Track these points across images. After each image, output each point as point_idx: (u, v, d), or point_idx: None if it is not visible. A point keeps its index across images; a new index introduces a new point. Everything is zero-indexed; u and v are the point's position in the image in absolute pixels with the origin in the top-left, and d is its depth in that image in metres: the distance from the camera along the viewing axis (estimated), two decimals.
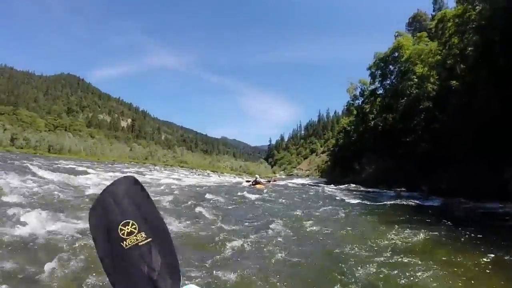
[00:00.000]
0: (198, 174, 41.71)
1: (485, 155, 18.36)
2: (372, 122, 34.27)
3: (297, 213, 9.73)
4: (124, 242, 0.88)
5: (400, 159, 27.45)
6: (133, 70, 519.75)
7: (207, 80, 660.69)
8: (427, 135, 26.05)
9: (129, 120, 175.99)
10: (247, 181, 25.90)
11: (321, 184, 39.44)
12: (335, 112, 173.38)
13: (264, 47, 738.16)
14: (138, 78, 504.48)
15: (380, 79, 33.83)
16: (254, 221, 8.15)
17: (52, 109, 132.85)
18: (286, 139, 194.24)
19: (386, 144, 30.90)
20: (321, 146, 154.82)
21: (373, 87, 35.66)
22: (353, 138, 45.39)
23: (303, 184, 35.98)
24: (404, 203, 14.71)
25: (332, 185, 34.85)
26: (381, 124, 32.41)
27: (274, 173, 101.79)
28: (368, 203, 14.50)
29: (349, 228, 7.56)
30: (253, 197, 13.90)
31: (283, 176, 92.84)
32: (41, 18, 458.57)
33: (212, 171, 62.27)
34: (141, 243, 0.89)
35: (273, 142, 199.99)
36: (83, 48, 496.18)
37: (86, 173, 19.93)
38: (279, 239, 6.29)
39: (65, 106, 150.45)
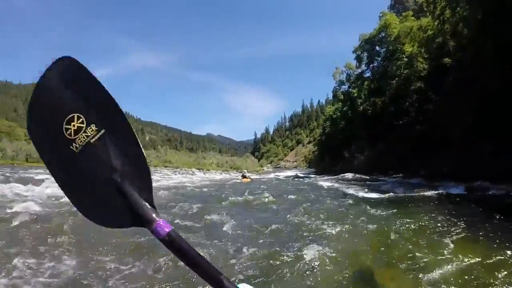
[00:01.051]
0: (182, 173, 39.45)
1: (489, 135, 17.01)
2: (361, 107, 32.76)
3: (302, 216, 7.89)
4: (74, 144, 0.67)
5: (393, 144, 25.99)
6: (114, 71, 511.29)
7: (189, 77, 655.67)
8: (421, 116, 24.64)
9: None
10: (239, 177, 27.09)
11: (312, 175, 37.96)
12: (318, 102, 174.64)
13: (244, 42, 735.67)
14: (119, 80, 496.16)
15: (367, 61, 32.20)
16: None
17: None
18: (271, 131, 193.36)
19: (377, 129, 29.46)
20: (307, 137, 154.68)
21: (359, 70, 34.11)
22: (340, 126, 43.96)
23: (293, 177, 34.22)
24: (427, 193, 11.72)
25: (324, 175, 33.40)
26: (370, 109, 30.91)
27: (261, 166, 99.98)
28: (378, 195, 12.14)
29: (380, 239, 5.65)
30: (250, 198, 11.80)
31: (271, 169, 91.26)
32: (17, 26, 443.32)
33: (197, 169, 60.12)
34: (94, 139, 0.67)
35: (259, 135, 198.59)
36: (61, 53, 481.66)
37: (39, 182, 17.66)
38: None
39: None
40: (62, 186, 0.69)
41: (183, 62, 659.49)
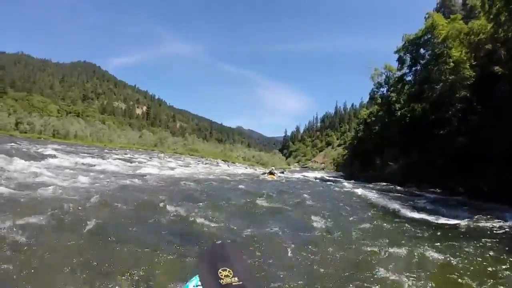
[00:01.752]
0: (206, 163, 39.18)
1: None
2: (398, 113, 30.90)
3: (328, 230, 7.08)
4: (221, 280, 1.05)
5: (430, 155, 24.21)
6: (149, 58, 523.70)
7: (223, 69, 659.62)
8: (463, 127, 22.76)
9: (144, 108, 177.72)
10: (263, 173, 27.38)
11: (340, 179, 36.57)
12: (352, 105, 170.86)
13: (281, 38, 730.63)
14: (154, 66, 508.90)
15: (409, 64, 30.16)
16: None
17: (67, 95, 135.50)
18: (301, 130, 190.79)
19: (414, 137, 27.67)
20: (337, 139, 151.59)
21: (400, 73, 32.05)
22: (374, 131, 42.10)
23: (320, 179, 33.01)
24: (479, 220, 9.49)
25: (352, 180, 31.99)
26: (409, 115, 29.06)
27: (289, 164, 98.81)
28: (425, 216, 10.17)
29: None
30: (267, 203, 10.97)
31: (297, 168, 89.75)
32: (58, 7, 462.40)
33: (223, 161, 59.92)
34: (234, 284, 1.05)
35: (289, 133, 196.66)
36: (99, 37, 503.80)
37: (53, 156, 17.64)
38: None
39: (81, 93, 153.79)
40: None
41: (217, 53, 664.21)
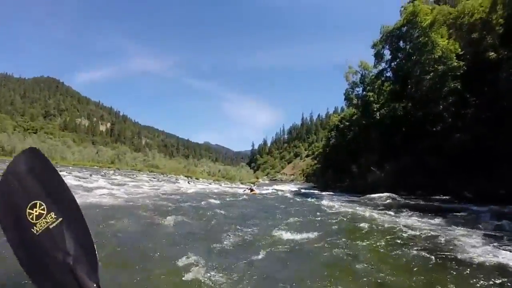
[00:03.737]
0: (161, 181, 33.79)
1: None
2: (378, 114, 27.69)
3: None
4: (34, 227, 0.79)
5: (423, 156, 20.86)
6: (114, 74, 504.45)
7: (189, 85, 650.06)
8: (460, 123, 19.65)
9: (109, 124, 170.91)
10: (244, 190, 25.88)
11: (314, 191, 32.74)
12: (319, 116, 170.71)
13: (246, 52, 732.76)
14: (119, 83, 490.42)
15: (389, 57, 27.12)
16: None
17: (29, 112, 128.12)
18: (269, 143, 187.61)
19: (399, 139, 24.45)
20: (305, 150, 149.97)
21: (377, 70, 29.02)
22: (349, 136, 38.89)
23: (297, 192, 28.72)
24: None
25: (329, 191, 28.23)
26: (391, 114, 25.85)
27: (257, 178, 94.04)
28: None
29: None
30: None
31: (267, 181, 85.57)
32: (22, 21, 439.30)
33: (186, 177, 54.60)
34: (52, 225, 0.81)
35: (256, 146, 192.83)
36: (63, 52, 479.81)
37: None
38: None
39: (43, 109, 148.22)
40: (21, 263, 0.78)
41: (183, 69, 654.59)
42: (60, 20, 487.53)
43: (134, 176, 39.60)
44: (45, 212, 0.78)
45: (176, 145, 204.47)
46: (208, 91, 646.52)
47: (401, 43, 25.88)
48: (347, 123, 40.30)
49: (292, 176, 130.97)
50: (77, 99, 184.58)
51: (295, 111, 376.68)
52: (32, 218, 0.76)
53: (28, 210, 0.76)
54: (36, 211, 0.77)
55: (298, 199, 18.59)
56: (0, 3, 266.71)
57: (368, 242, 6.60)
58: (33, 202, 0.78)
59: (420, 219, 9.68)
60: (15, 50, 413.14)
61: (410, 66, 23.75)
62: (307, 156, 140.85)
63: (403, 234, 7.34)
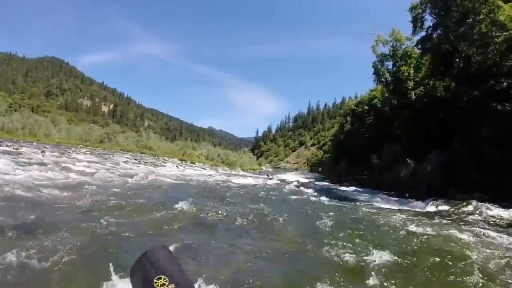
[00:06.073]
0: (146, 164, 28.75)
1: None
2: (413, 93, 22.40)
3: None
4: None
5: (480, 145, 15.68)
6: (120, 57, 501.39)
7: (194, 70, 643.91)
8: None
9: (111, 106, 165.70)
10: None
11: (331, 185, 27.83)
12: (325, 105, 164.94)
13: (252, 40, 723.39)
14: (125, 66, 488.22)
15: (432, 23, 21.49)
16: None
17: (30, 91, 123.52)
18: (273, 130, 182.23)
19: (439, 125, 19.29)
20: (310, 139, 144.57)
21: (409, 43, 23.57)
22: (368, 121, 33.71)
23: (303, 185, 23.65)
24: None
25: (348, 185, 23.36)
26: (432, 94, 20.59)
27: (260, 165, 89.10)
28: None
29: None
30: None
31: (270, 169, 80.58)
32: (28, 2, 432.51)
33: (180, 160, 49.65)
34: None
35: (260, 134, 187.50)
36: (69, 35, 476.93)
37: None
38: None
39: (45, 88, 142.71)
40: None
41: (189, 54, 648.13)
42: (67, 2, 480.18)
43: (113, 155, 34.49)
44: (167, 283, 0.99)
45: (180, 129, 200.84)
46: (213, 78, 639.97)
47: (449, 3, 20.14)
48: (366, 107, 35.10)
49: (296, 165, 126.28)
50: (80, 79, 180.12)
51: (301, 100, 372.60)
52: (157, 285, 0.98)
53: (155, 280, 0.95)
54: (161, 281, 0.94)
55: (325, 202, 13.35)
56: None
57: None
58: (159, 276, 0.96)
59: None
60: (20, 32, 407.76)
61: (461, 36, 18.26)
62: (312, 145, 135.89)
63: None
